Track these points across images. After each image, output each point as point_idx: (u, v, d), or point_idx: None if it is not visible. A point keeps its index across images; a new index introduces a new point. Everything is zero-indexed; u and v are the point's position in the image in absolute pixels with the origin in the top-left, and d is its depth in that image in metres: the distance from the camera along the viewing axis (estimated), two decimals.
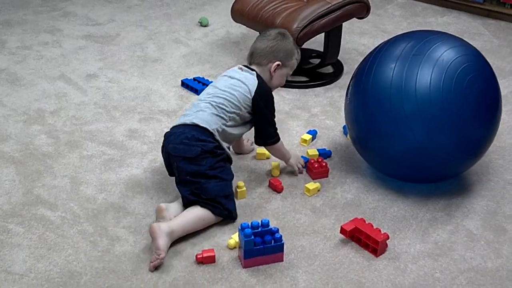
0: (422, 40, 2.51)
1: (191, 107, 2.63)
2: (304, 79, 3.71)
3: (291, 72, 2.77)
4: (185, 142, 2.46)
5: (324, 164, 2.78)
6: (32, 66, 3.82)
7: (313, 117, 3.30)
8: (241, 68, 2.68)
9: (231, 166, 2.58)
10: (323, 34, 3.60)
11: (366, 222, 2.40)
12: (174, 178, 2.54)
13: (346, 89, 2.75)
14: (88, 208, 2.56)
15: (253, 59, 2.71)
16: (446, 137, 2.41)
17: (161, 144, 2.59)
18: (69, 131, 3.11)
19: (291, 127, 3.19)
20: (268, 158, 2.90)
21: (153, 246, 2.26)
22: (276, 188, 2.68)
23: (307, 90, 3.61)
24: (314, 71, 3.79)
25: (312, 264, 2.29)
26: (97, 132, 3.11)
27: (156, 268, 2.24)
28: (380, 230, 2.35)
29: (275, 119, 2.68)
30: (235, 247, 2.35)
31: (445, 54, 2.43)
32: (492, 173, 2.85)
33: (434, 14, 4.87)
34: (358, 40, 4.33)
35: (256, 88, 2.58)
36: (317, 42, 3.95)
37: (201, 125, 2.48)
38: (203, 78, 3.62)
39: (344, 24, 3.64)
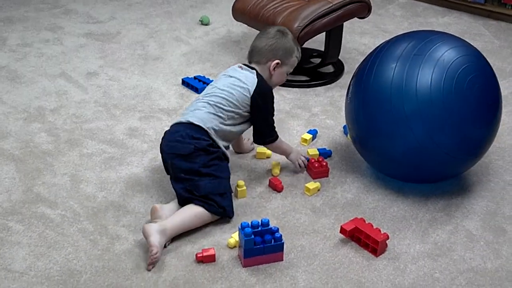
0: (423, 40, 2.51)
1: (189, 106, 2.64)
2: (304, 78, 3.71)
3: (291, 70, 2.76)
4: (179, 139, 2.49)
5: (324, 163, 2.78)
6: (33, 63, 3.82)
7: (313, 117, 3.30)
8: (241, 67, 2.68)
9: (230, 165, 2.58)
10: (324, 33, 3.60)
11: (366, 222, 2.40)
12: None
13: (346, 88, 2.75)
14: (88, 207, 2.56)
15: (252, 58, 2.71)
16: (446, 137, 2.41)
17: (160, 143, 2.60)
18: (69, 129, 3.11)
19: (292, 126, 3.19)
20: (268, 157, 2.91)
21: (148, 246, 2.27)
22: (276, 188, 2.68)
23: (307, 89, 3.61)
24: (315, 71, 3.79)
25: (312, 264, 2.29)
26: (97, 130, 3.11)
27: (153, 265, 2.24)
28: (380, 230, 2.35)
29: (274, 118, 2.68)
30: (235, 246, 2.35)
31: (446, 54, 2.43)
32: (492, 173, 2.85)
33: (435, 15, 4.87)
34: (359, 39, 4.33)
35: (256, 87, 2.58)
36: (318, 42, 3.95)
37: (196, 123, 2.50)
38: (203, 76, 3.62)
39: (345, 23, 3.64)
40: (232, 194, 2.59)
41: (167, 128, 2.61)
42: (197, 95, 3.36)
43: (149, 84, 3.61)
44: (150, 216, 2.44)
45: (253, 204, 2.60)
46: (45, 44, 4.09)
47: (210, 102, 2.56)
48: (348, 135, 3.01)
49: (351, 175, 2.81)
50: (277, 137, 2.70)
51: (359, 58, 3.93)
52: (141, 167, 2.82)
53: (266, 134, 2.68)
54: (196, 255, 2.27)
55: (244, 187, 2.63)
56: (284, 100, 3.45)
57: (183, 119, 2.55)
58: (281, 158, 2.86)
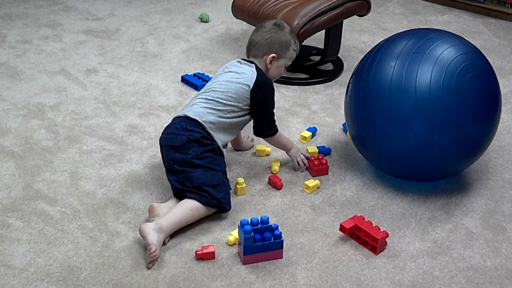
0: (422, 38, 2.51)
1: (189, 102, 2.67)
2: (304, 76, 3.72)
3: (289, 63, 2.77)
4: (173, 132, 2.52)
5: (324, 161, 2.78)
6: (32, 60, 3.82)
7: (313, 114, 3.30)
8: (239, 62, 2.70)
9: (229, 162, 2.58)
10: (323, 31, 3.60)
11: (366, 220, 2.41)
12: None
13: (346, 86, 2.75)
14: (87, 203, 2.56)
15: (250, 52, 2.73)
16: (446, 135, 2.42)
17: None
18: (68, 126, 3.11)
19: (291, 124, 3.19)
20: (268, 154, 2.91)
21: (146, 245, 2.27)
22: (275, 185, 2.68)
23: (307, 87, 3.61)
24: (314, 68, 3.79)
25: (312, 261, 2.30)
26: (97, 127, 3.11)
27: (152, 264, 2.24)
28: (379, 228, 2.35)
29: (274, 111, 2.69)
30: (234, 244, 2.35)
31: (446, 52, 2.44)
32: (491, 172, 2.86)
33: (434, 13, 4.88)
34: (358, 37, 4.33)
35: (255, 80, 2.59)
36: (317, 39, 3.95)
37: (192, 117, 2.53)
38: (203, 74, 3.62)
39: (344, 21, 3.64)
40: (232, 191, 2.60)
41: (166, 125, 2.62)
42: (196, 92, 3.36)
43: (148, 81, 3.61)
44: (148, 214, 2.44)
45: (252, 201, 2.60)
46: (44, 41, 4.09)
47: (208, 97, 2.58)
48: (348, 133, 3.01)
49: (351, 173, 2.82)
50: (277, 130, 2.71)
51: (358, 56, 3.94)
52: (141, 164, 2.82)
53: (266, 127, 2.69)
54: (196, 252, 2.28)
55: (244, 185, 2.63)
56: (284, 97, 3.45)
57: (180, 114, 2.59)
58: (281, 156, 2.87)
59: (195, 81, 3.52)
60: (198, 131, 2.50)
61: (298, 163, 2.79)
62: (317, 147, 2.94)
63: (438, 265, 2.30)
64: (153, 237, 2.25)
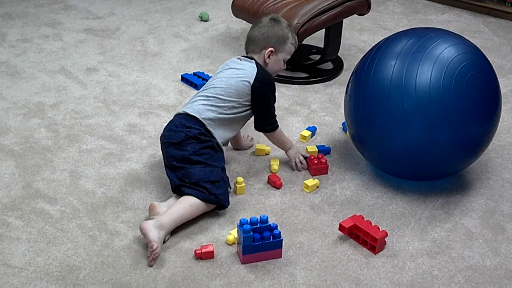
0: (422, 37, 2.51)
1: (189, 99, 2.69)
2: (304, 75, 3.72)
3: (288, 57, 2.77)
4: (172, 129, 2.55)
5: (323, 160, 2.78)
6: (32, 59, 3.82)
7: (312, 114, 3.30)
8: (239, 58, 2.71)
9: (229, 161, 2.59)
10: (323, 30, 3.60)
11: (365, 219, 2.41)
12: None
13: (345, 85, 2.75)
14: (87, 202, 2.56)
15: (248, 48, 2.75)
16: (445, 135, 2.41)
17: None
18: (68, 125, 3.11)
19: (291, 123, 3.19)
20: (267, 154, 2.91)
21: (147, 242, 2.27)
22: (275, 184, 2.68)
23: (306, 86, 3.61)
24: (314, 68, 3.79)
25: (311, 261, 2.30)
26: (97, 126, 3.11)
27: (154, 261, 2.24)
28: (378, 228, 2.35)
29: (275, 106, 2.70)
30: (233, 243, 2.35)
31: (446, 51, 2.43)
32: (491, 171, 2.85)
33: (434, 12, 4.87)
34: (358, 36, 4.33)
35: (256, 76, 2.60)
36: (317, 38, 3.95)
37: (191, 114, 2.54)
38: (203, 73, 3.62)
39: (344, 20, 3.64)
40: (231, 190, 2.60)
41: (165, 124, 2.63)
42: (196, 91, 3.36)
43: (148, 80, 3.61)
44: (148, 213, 2.44)
45: (251, 200, 2.60)
46: (44, 40, 4.09)
47: (208, 94, 2.60)
48: (347, 132, 3.01)
49: (350, 172, 2.82)
50: (277, 126, 2.72)
51: (358, 55, 3.93)
52: (140, 163, 2.82)
53: (267, 122, 2.70)
54: (195, 251, 2.28)
55: (243, 184, 2.63)
56: (283, 96, 3.45)
57: (181, 110, 2.61)
58: (280, 155, 2.87)
59: (195, 80, 3.52)
60: (196, 128, 2.51)
61: (296, 164, 2.79)
62: (317, 146, 2.94)
63: (437, 265, 2.30)
64: (154, 234, 2.25)
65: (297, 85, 3.60)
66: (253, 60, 2.67)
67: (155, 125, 3.13)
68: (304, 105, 3.38)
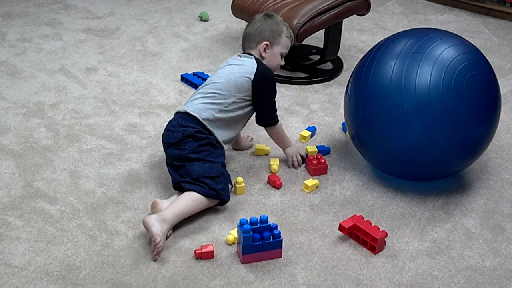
0: (422, 38, 2.51)
1: (189, 97, 2.70)
2: (303, 75, 3.72)
3: (285, 50, 2.79)
4: (170, 129, 2.58)
5: (323, 160, 2.78)
6: (32, 58, 3.82)
7: (312, 114, 3.30)
8: (239, 56, 2.74)
9: (229, 161, 2.59)
10: (323, 30, 3.60)
11: (365, 220, 2.41)
12: None
13: (345, 86, 2.76)
14: (87, 202, 2.56)
15: (244, 45, 2.78)
16: (445, 135, 2.42)
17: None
18: (68, 124, 3.11)
19: (290, 123, 3.19)
20: (267, 154, 2.91)
21: (150, 237, 2.28)
22: (274, 184, 2.68)
23: (306, 86, 3.61)
24: (314, 68, 3.79)
25: (311, 261, 2.30)
26: (97, 126, 3.11)
27: (158, 255, 2.25)
28: (378, 228, 2.36)
29: (276, 100, 2.72)
30: (233, 243, 2.35)
31: (445, 52, 2.44)
32: (491, 172, 2.86)
33: (434, 12, 4.88)
34: (358, 37, 4.33)
35: (256, 71, 2.62)
36: (317, 39, 3.95)
37: (191, 113, 2.56)
38: (202, 73, 3.62)
39: (344, 20, 3.64)
40: (231, 190, 2.60)
41: (165, 124, 2.64)
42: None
43: (148, 80, 3.61)
44: (150, 210, 2.45)
45: (251, 200, 2.61)
46: (44, 40, 4.09)
47: (208, 90, 2.62)
48: (347, 132, 3.01)
49: (350, 172, 2.82)
50: (277, 120, 2.74)
51: (358, 55, 3.94)
52: (140, 163, 2.82)
53: (267, 116, 2.72)
54: (195, 251, 2.28)
55: (243, 184, 2.63)
56: (283, 97, 3.45)
57: (181, 109, 2.62)
58: (280, 155, 2.87)
59: (194, 80, 3.53)
60: (192, 126, 2.53)
61: (293, 164, 2.79)
62: (316, 146, 2.94)
63: (437, 265, 2.30)
64: (157, 228, 2.25)
65: (296, 85, 3.60)
66: (252, 56, 2.70)
67: (155, 125, 3.13)
68: (304, 105, 3.38)
